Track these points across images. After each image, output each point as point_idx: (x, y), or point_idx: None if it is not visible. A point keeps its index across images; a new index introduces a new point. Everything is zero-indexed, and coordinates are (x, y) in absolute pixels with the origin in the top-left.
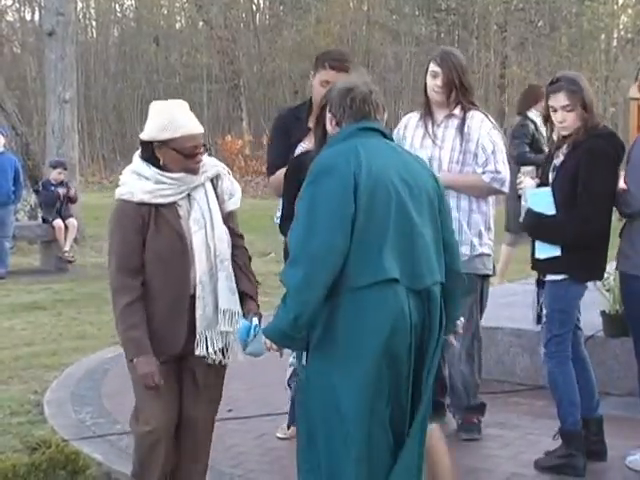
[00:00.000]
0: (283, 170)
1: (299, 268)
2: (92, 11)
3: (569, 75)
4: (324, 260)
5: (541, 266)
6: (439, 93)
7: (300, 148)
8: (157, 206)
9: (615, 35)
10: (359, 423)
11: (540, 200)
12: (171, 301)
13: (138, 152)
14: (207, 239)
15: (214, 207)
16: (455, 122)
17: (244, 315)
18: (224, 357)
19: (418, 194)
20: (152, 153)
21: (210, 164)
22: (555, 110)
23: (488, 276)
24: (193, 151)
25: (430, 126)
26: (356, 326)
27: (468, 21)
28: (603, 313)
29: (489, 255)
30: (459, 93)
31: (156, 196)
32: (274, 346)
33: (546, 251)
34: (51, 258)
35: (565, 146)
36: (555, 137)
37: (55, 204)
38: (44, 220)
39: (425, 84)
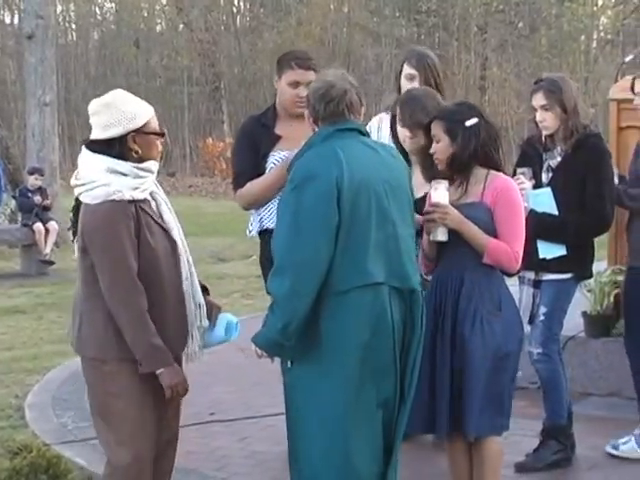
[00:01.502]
0: (254, 182)
1: (285, 277)
2: (72, 14)
3: (551, 76)
4: (310, 269)
5: (546, 266)
6: None
7: (277, 156)
8: (140, 204)
9: (595, 36)
10: (341, 425)
11: (542, 201)
12: (175, 301)
13: (89, 153)
14: (179, 233)
15: (168, 201)
16: None
17: (210, 310)
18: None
19: (399, 193)
20: (125, 148)
21: None
22: (536, 110)
23: None
24: (162, 129)
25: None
26: (338, 329)
27: (448, 23)
28: (584, 314)
29: None
30: None
31: (141, 191)
32: (259, 352)
33: (551, 251)
34: (32, 262)
35: (559, 147)
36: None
37: (32, 210)
38: (24, 224)
39: (399, 86)
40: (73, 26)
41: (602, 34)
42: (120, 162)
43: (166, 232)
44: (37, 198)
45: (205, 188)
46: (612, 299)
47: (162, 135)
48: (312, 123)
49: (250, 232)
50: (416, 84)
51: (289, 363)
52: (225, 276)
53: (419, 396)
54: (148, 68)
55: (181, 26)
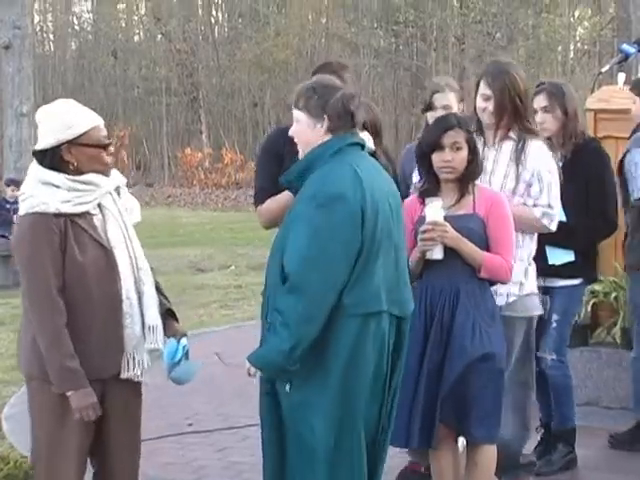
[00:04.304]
0: (273, 199)
1: (299, 299)
2: (49, 24)
3: (554, 81)
4: (327, 293)
5: (556, 272)
6: (489, 116)
7: None
8: (72, 217)
9: (572, 47)
10: (331, 454)
11: None
12: (104, 321)
13: (35, 164)
14: (128, 251)
15: (126, 217)
16: (510, 146)
17: (168, 335)
18: (141, 376)
19: (399, 216)
20: (58, 159)
21: (114, 173)
22: (536, 112)
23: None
24: (106, 141)
25: (481, 147)
26: (347, 354)
27: (426, 33)
28: None
29: (536, 293)
30: (512, 118)
31: (74, 204)
32: (252, 371)
33: (560, 257)
34: (9, 273)
35: (559, 153)
36: None
37: (11, 222)
38: (2, 235)
39: (475, 98)
40: (51, 36)
41: (579, 45)
42: (52, 173)
43: (105, 248)
44: (17, 217)
45: (183, 198)
46: (590, 308)
47: (105, 147)
48: (312, 125)
49: None
50: (490, 107)
51: (287, 387)
52: (204, 286)
53: (415, 410)
54: (126, 78)
55: (159, 36)
